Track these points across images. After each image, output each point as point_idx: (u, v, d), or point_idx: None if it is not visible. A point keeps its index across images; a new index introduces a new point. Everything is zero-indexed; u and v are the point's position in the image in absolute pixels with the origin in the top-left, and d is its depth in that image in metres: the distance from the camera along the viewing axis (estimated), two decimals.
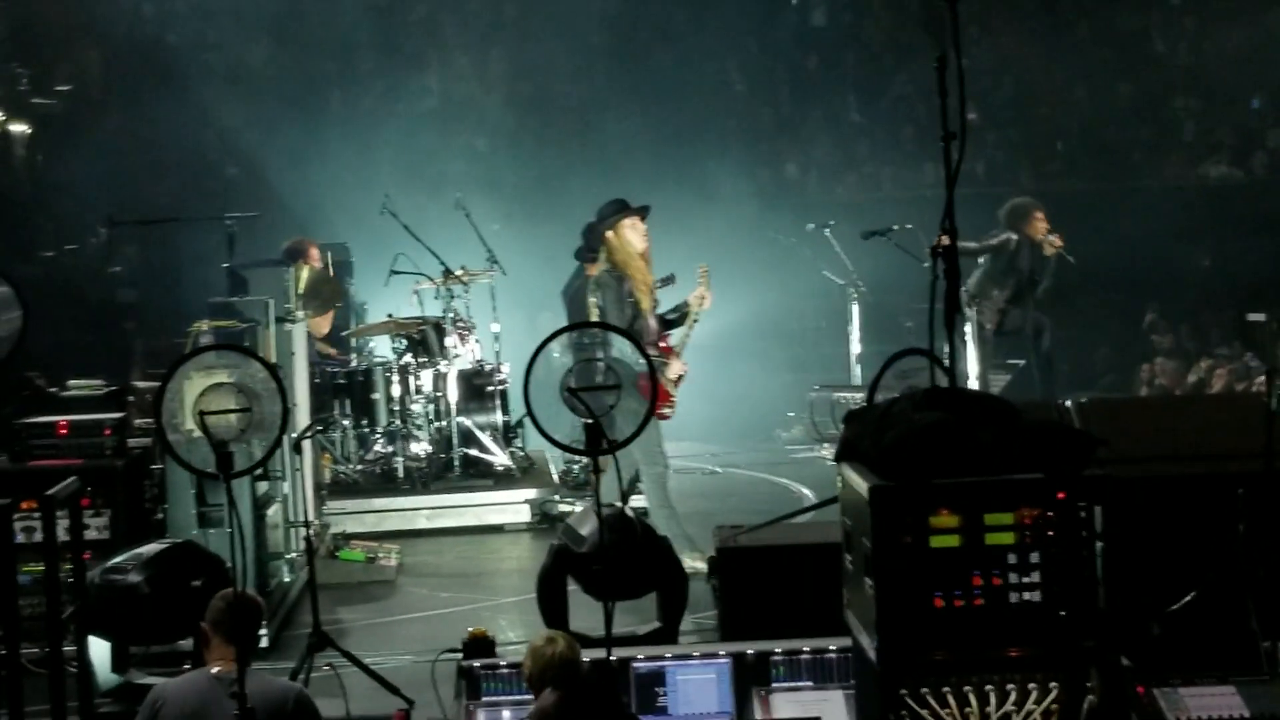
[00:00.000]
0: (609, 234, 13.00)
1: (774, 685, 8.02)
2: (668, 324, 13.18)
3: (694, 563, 11.47)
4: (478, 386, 16.08)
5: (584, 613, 9.06)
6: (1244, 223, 23.71)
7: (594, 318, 12.91)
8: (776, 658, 8.06)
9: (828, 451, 16.55)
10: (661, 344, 13.01)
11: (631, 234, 13.00)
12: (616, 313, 12.74)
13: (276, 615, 11.38)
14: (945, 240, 6.37)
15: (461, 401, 15.84)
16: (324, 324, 16.06)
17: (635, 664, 8.06)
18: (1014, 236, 16.62)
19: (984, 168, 24.77)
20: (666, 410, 13.05)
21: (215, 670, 7.20)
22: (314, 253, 15.69)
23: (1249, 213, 23.97)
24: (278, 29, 24.77)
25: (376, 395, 15.63)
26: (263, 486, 11.82)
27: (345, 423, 15.65)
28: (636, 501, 14.25)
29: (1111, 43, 26.46)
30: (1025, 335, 16.80)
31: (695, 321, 13.19)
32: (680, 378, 13.08)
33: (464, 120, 24.98)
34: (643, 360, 10.19)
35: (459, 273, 16.28)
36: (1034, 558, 5.52)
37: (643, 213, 13.16)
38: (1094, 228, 23.06)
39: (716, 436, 17.81)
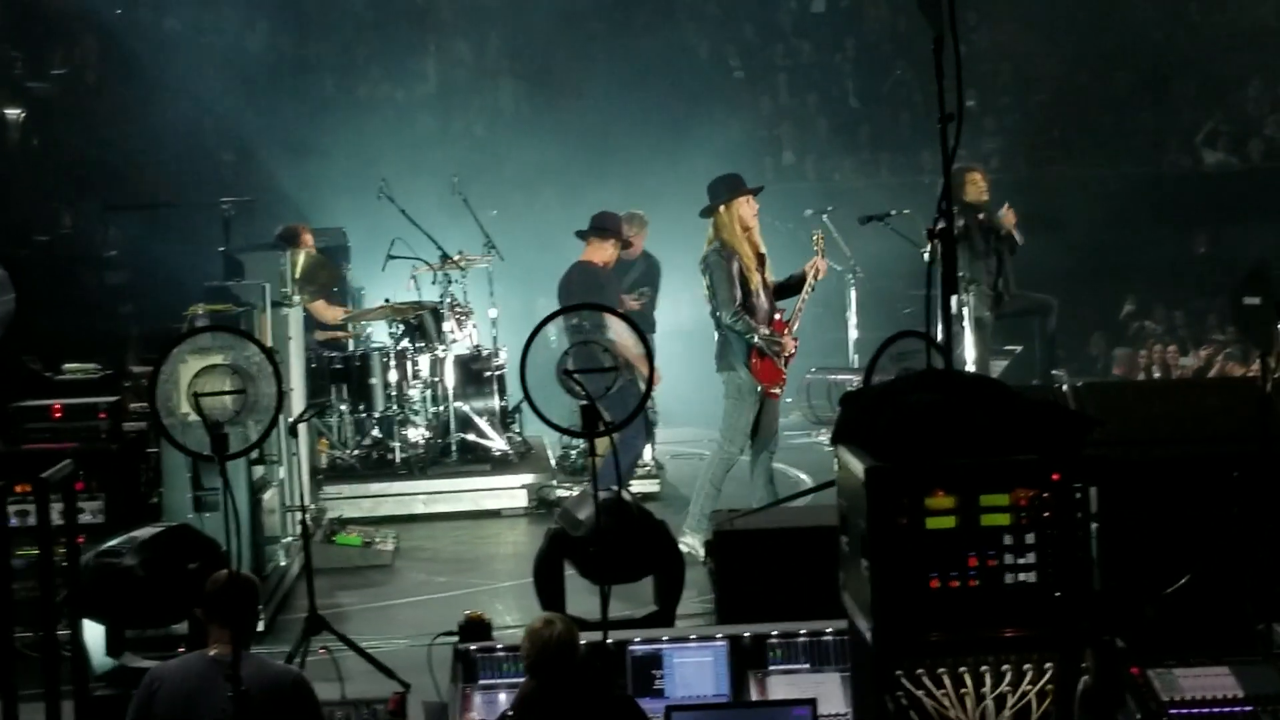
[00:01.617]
0: (720, 210, 13.07)
1: (770, 668, 8.02)
2: (783, 292, 13.24)
3: (700, 547, 11.55)
4: (475, 372, 16.09)
5: (581, 597, 9.07)
6: (1240, 209, 23.73)
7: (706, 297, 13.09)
8: (773, 640, 8.06)
9: (824, 436, 16.54)
10: (776, 318, 13.06)
11: (745, 210, 13.08)
12: (726, 292, 12.86)
13: (273, 599, 11.39)
14: (942, 224, 6.36)
15: (459, 387, 15.85)
16: (329, 311, 16.05)
17: (632, 647, 8.06)
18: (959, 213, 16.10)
19: (981, 153, 24.76)
20: (776, 390, 13.20)
21: (213, 653, 7.19)
22: (307, 238, 15.67)
23: (1245, 199, 23.99)
24: (274, 13, 24.75)
25: (374, 380, 15.62)
26: (259, 471, 11.83)
27: (342, 407, 15.64)
28: (635, 485, 14.32)
29: (1110, 29, 26.44)
30: (1030, 314, 16.61)
31: (812, 290, 13.30)
32: (791, 356, 13.15)
33: (462, 105, 24.98)
34: (642, 344, 10.16)
35: (456, 258, 16.27)
36: (1029, 539, 5.51)
37: (756, 192, 13.28)
38: (1091, 213, 23.11)
39: (714, 421, 17.78)
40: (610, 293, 14.29)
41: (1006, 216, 15.85)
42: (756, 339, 12.83)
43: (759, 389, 12.93)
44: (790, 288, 13.32)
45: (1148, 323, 22.32)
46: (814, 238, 13.43)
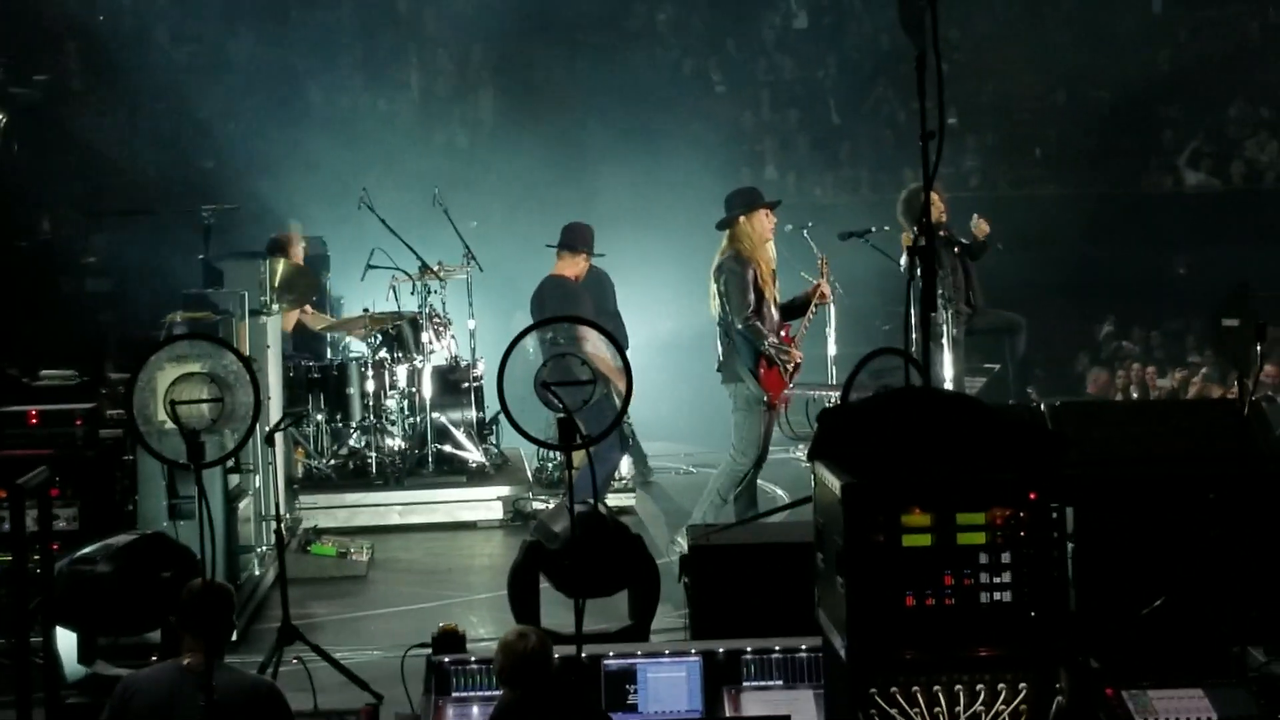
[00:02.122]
0: (741, 219, 13.16)
1: (744, 684, 8.00)
2: (786, 314, 13.27)
3: None
4: (453, 383, 16.06)
5: (555, 610, 9.05)
6: (1220, 230, 23.79)
7: (714, 303, 13.11)
8: (747, 656, 8.05)
9: (802, 451, 16.52)
10: (783, 333, 13.07)
11: (764, 223, 13.19)
12: (739, 299, 12.88)
13: (246, 608, 11.36)
14: (923, 239, 6.36)
15: (436, 397, 15.82)
16: (296, 319, 16.02)
17: (606, 661, 8.04)
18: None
19: (963, 171, 24.82)
20: (779, 402, 13.30)
21: (186, 662, 7.17)
22: (298, 245, 15.66)
23: (1225, 220, 24.06)
24: (258, 22, 24.74)
25: (351, 390, 15.58)
26: (234, 479, 11.79)
27: (319, 417, 15.60)
28: (611, 499, 14.30)
29: (1093, 49, 26.51)
30: (1000, 332, 16.57)
31: (814, 313, 13.52)
32: (797, 367, 13.16)
33: (444, 116, 24.98)
34: (620, 357, 10.15)
35: (435, 268, 16.25)
36: (1005, 558, 5.52)
37: (775, 205, 13.43)
38: (1071, 234, 23.16)
39: (691, 436, 17.79)
40: (583, 305, 14.26)
41: (979, 226, 15.82)
42: (766, 346, 12.84)
43: (765, 398, 12.94)
44: (794, 309, 13.40)
45: (1125, 343, 22.36)
46: (819, 262, 13.52)
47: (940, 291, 14.66)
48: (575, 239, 14.71)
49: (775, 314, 13.09)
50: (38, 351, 14.20)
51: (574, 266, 14.64)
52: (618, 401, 12.92)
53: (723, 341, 13.14)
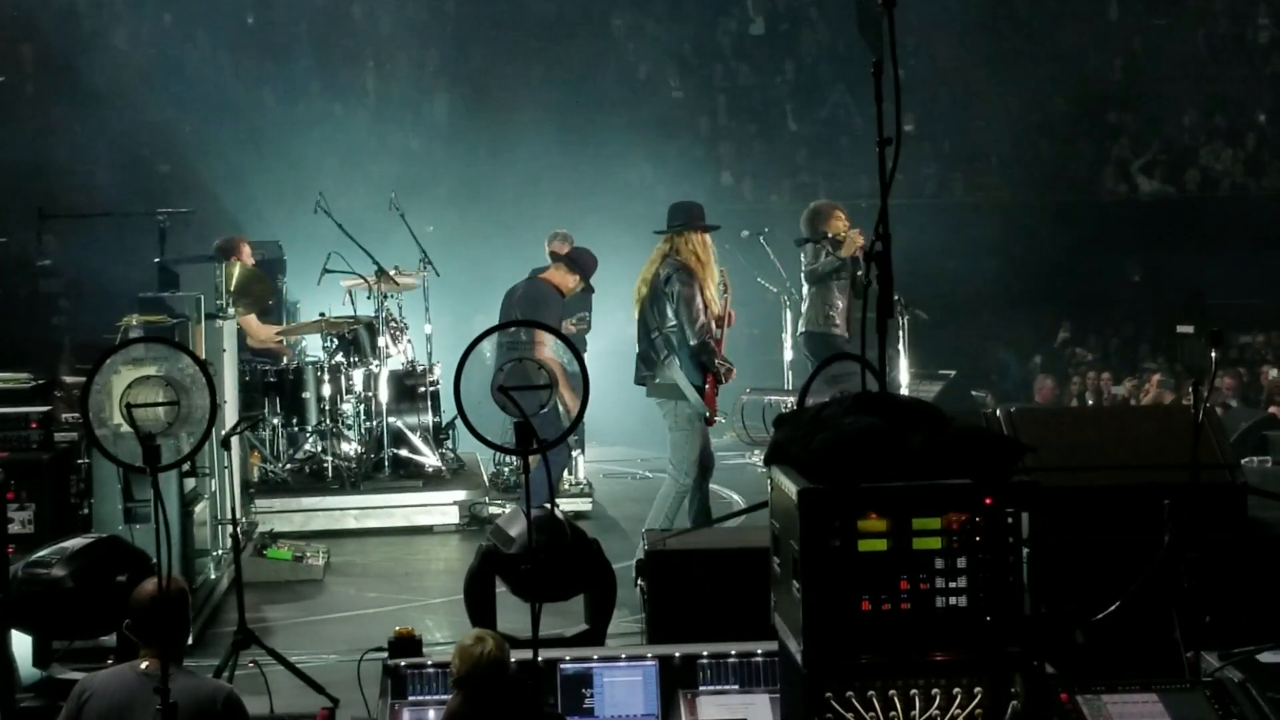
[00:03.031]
0: (694, 235, 12.85)
1: (700, 688, 8.01)
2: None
3: None
4: (409, 387, 16.03)
5: (511, 614, 9.05)
6: (1174, 238, 23.91)
7: (646, 309, 12.83)
8: (703, 661, 8.05)
9: (758, 457, 16.53)
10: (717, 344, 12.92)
11: (707, 238, 12.95)
12: (691, 313, 12.54)
13: (202, 612, 11.32)
14: (879, 245, 6.37)
15: (392, 402, 15.79)
16: (261, 330, 15.98)
17: (562, 665, 8.05)
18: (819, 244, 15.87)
19: (918, 178, 24.90)
20: (719, 417, 13.17)
21: (144, 665, 7.14)
22: (245, 250, 15.58)
23: (1179, 228, 24.18)
24: (214, 26, 24.71)
25: (307, 394, 15.53)
26: (190, 483, 11.75)
27: (275, 421, 15.55)
28: (565, 504, 14.29)
29: (1048, 57, 26.64)
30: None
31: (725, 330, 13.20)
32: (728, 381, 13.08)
33: (400, 120, 24.97)
34: (575, 361, 10.16)
35: (392, 273, 16.22)
36: (961, 563, 5.54)
37: (713, 229, 13.18)
38: (1026, 240, 23.26)
39: (647, 442, 17.79)
40: (552, 314, 14.21)
41: (853, 239, 15.57)
42: (717, 363, 12.67)
43: (706, 414, 12.77)
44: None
45: (1079, 349, 22.46)
46: (720, 274, 13.25)
47: (898, 298, 14.63)
48: (581, 261, 14.59)
49: (717, 329, 12.94)
50: None
51: (564, 282, 14.49)
52: (560, 408, 12.93)
53: (654, 352, 12.82)
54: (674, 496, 12.76)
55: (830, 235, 15.08)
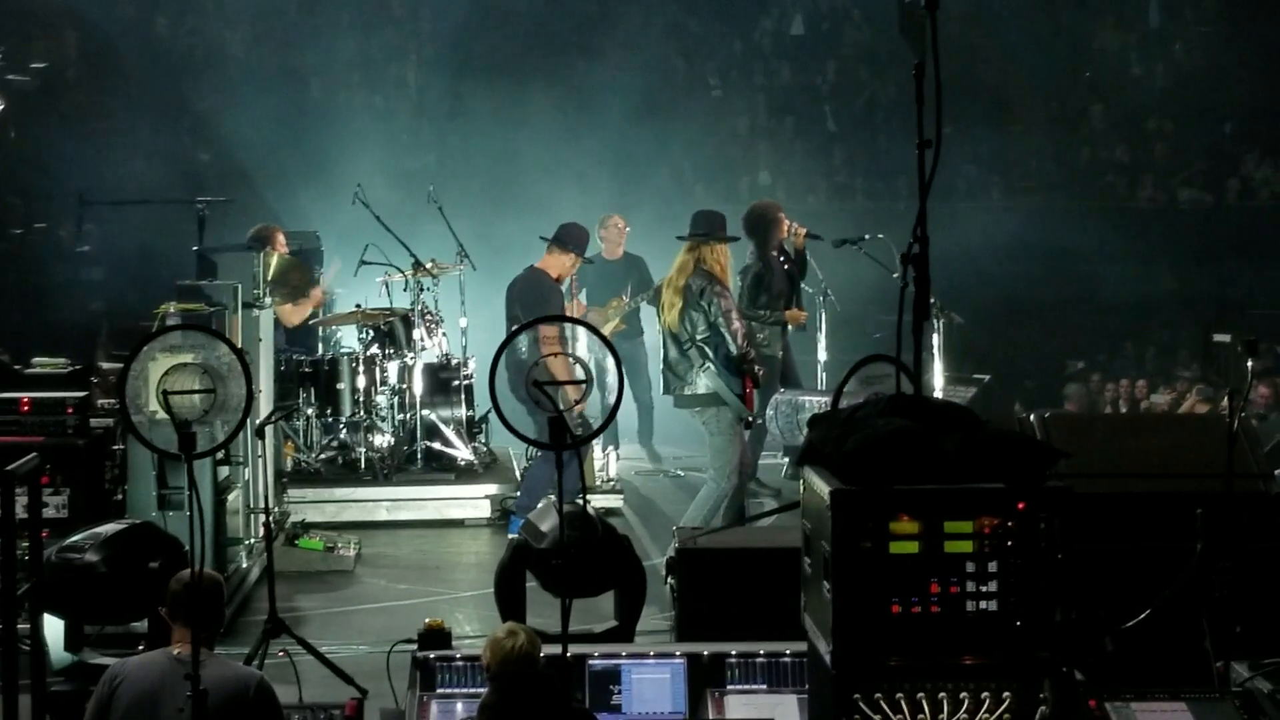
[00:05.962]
0: (719, 245, 13.07)
1: (728, 687, 8.03)
2: None
3: None
4: (443, 380, 16.04)
5: (541, 609, 9.07)
6: (1212, 246, 23.82)
7: (680, 318, 12.93)
8: (731, 660, 8.07)
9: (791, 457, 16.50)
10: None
11: (728, 251, 13.21)
12: (731, 325, 12.78)
13: (233, 600, 11.35)
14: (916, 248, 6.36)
15: (426, 394, 15.80)
16: (295, 314, 16.01)
17: (591, 661, 8.07)
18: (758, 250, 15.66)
19: (955, 181, 24.84)
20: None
21: (176, 651, 7.17)
22: (280, 239, 15.61)
23: (1217, 236, 24.09)
24: (257, 16, 24.76)
25: (341, 385, 15.54)
26: (224, 471, 11.79)
27: (309, 411, 15.58)
28: (598, 500, 14.30)
29: (1088, 62, 26.56)
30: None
31: None
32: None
33: (441, 113, 24.98)
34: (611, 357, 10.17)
35: (429, 265, 16.23)
36: (992, 567, 5.54)
37: (733, 240, 13.52)
38: (1063, 247, 23.18)
39: (680, 440, 17.77)
40: (554, 304, 14.20)
41: (798, 234, 15.60)
42: (757, 370, 12.85)
43: (747, 419, 12.91)
44: None
45: (1113, 357, 22.38)
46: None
47: (933, 300, 14.60)
48: (568, 237, 14.59)
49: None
50: (30, 339, 14.20)
51: (559, 265, 14.50)
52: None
53: (691, 360, 12.95)
54: (713, 500, 12.87)
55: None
